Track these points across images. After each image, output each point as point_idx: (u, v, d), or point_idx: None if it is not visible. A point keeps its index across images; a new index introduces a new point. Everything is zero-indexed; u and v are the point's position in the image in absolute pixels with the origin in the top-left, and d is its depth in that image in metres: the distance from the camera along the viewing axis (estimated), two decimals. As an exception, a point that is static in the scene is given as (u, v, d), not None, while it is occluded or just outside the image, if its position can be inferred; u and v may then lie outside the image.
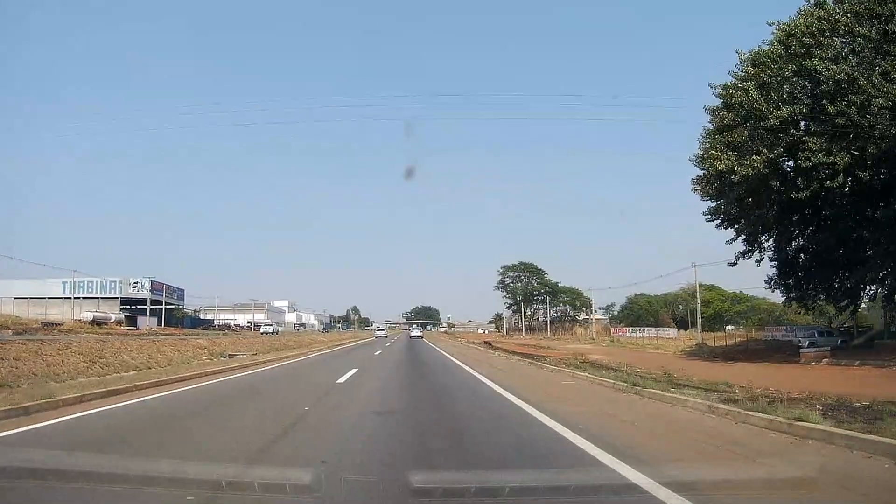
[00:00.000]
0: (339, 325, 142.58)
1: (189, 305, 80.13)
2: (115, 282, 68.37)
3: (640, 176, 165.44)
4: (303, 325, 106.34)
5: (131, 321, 57.78)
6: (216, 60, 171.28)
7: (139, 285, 67.46)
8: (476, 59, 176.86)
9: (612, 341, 45.92)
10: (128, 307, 67.20)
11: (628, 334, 57.84)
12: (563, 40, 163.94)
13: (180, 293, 75.46)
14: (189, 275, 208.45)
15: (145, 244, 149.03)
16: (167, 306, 67.81)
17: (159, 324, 62.60)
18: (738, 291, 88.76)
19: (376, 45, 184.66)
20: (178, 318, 66.79)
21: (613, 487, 4.09)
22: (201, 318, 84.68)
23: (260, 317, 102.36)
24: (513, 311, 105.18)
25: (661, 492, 3.82)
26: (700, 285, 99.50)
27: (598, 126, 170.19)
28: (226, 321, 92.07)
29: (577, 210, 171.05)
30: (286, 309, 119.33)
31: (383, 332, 78.21)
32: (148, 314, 66.41)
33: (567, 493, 3.98)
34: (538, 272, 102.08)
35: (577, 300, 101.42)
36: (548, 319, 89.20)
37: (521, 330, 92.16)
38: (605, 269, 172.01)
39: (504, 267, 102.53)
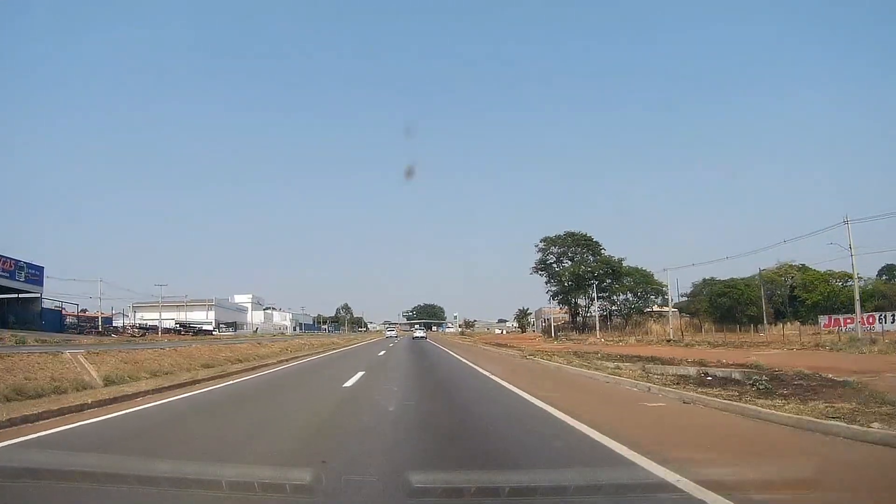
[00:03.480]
0: (327, 326, 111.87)
1: (65, 293, 50.53)
2: None
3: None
4: (241, 324, 75.88)
5: None
6: (207, 52, 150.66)
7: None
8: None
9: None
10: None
11: (865, 327, 27.47)
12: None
13: (33, 274, 45.73)
14: (174, 270, 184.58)
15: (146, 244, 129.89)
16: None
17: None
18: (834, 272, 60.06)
19: (375, 40, 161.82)
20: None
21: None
22: (88, 316, 54.79)
23: (198, 316, 72.57)
24: (558, 303, 74.09)
25: None
26: (790, 265, 70.62)
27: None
28: (142, 321, 62.82)
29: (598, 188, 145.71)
30: (248, 306, 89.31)
31: (393, 332, 78.06)
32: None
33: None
34: (593, 245, 70.53)
35: (649, 284, 70.96)
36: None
37: (590, 328, 61.33)
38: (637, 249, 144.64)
39: (545, 240, 70.17)
